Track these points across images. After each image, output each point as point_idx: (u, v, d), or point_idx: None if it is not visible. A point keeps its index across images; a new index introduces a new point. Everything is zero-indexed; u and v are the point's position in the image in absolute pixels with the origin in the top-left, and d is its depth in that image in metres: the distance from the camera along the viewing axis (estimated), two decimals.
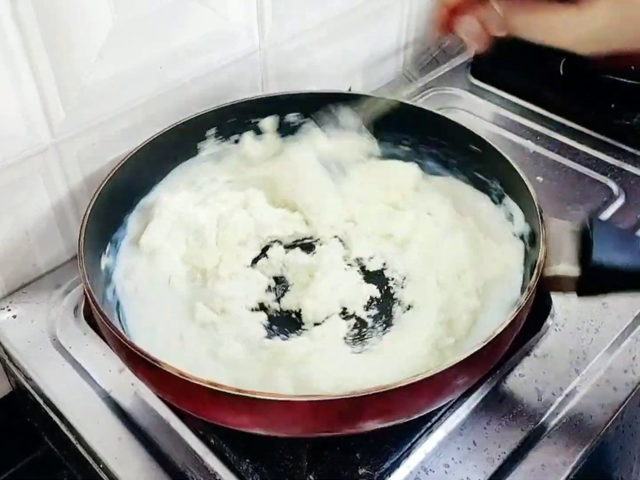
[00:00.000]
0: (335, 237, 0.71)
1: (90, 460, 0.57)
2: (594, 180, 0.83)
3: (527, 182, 0.60)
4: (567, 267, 0.54)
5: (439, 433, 0.57)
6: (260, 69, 0.80)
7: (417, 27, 0.98)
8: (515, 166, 0.62)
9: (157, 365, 0.46)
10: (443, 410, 0.58)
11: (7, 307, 0.67)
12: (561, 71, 0.95)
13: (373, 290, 0.66)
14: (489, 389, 0.60)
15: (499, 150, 0.64)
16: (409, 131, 0.72)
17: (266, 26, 0.77)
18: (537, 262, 0.53)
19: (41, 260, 0.71)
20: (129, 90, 0.68)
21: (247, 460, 0.54)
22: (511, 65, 0.93)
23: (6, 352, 0.64)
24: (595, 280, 0.54)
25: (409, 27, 0.97)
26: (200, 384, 0.45)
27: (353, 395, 0.44)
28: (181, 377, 0.46)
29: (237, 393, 0.45)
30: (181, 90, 0.73)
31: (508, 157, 0.63)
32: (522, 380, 0.61)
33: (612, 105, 0.89)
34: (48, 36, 0.59)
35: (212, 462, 0.55)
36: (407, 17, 0.96)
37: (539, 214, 0.57)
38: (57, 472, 0.77)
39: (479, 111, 0.94)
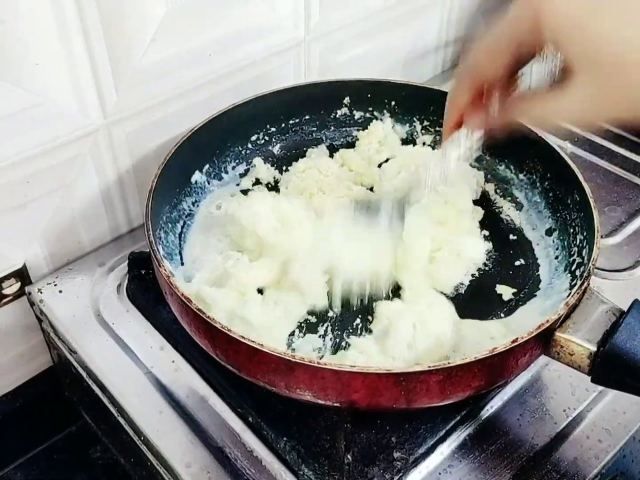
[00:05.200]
0: None
1: (131, 433, 0.58)
2: (632, 183, 0.83)
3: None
4: (583, 339, 0.50)
5: (474, 422, 0.58)
6: (304, 60, 0.81)
7: (457, 25, 0.99)
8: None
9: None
10: (478, 399, 0.58)
11: (54, 282, 0.69)
12: None
13: None
14: (523, 382, 0.61)
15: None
16: None
17: (312, 18, 0.79)
18: (547, 320, 0.50)
19: (86, 238, 0.73)
20: (178, 75, 0.69)
21: (285, 439, 0.55)
22: None
23: (52, 326, 0.66)
24: (609, 367, 0.49)
25: (449, 25, 0.98)
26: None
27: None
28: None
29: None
30: (227, 77, 0.74)
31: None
32: (557, 375, 0.61)
33: None
34: (105, 18, 0.60)
35: (250, 439, 0.56)
36: (448, 15, 0.97)
37: (584, 281, 0.54)
38: (90, 447, 0.79)
39: None
